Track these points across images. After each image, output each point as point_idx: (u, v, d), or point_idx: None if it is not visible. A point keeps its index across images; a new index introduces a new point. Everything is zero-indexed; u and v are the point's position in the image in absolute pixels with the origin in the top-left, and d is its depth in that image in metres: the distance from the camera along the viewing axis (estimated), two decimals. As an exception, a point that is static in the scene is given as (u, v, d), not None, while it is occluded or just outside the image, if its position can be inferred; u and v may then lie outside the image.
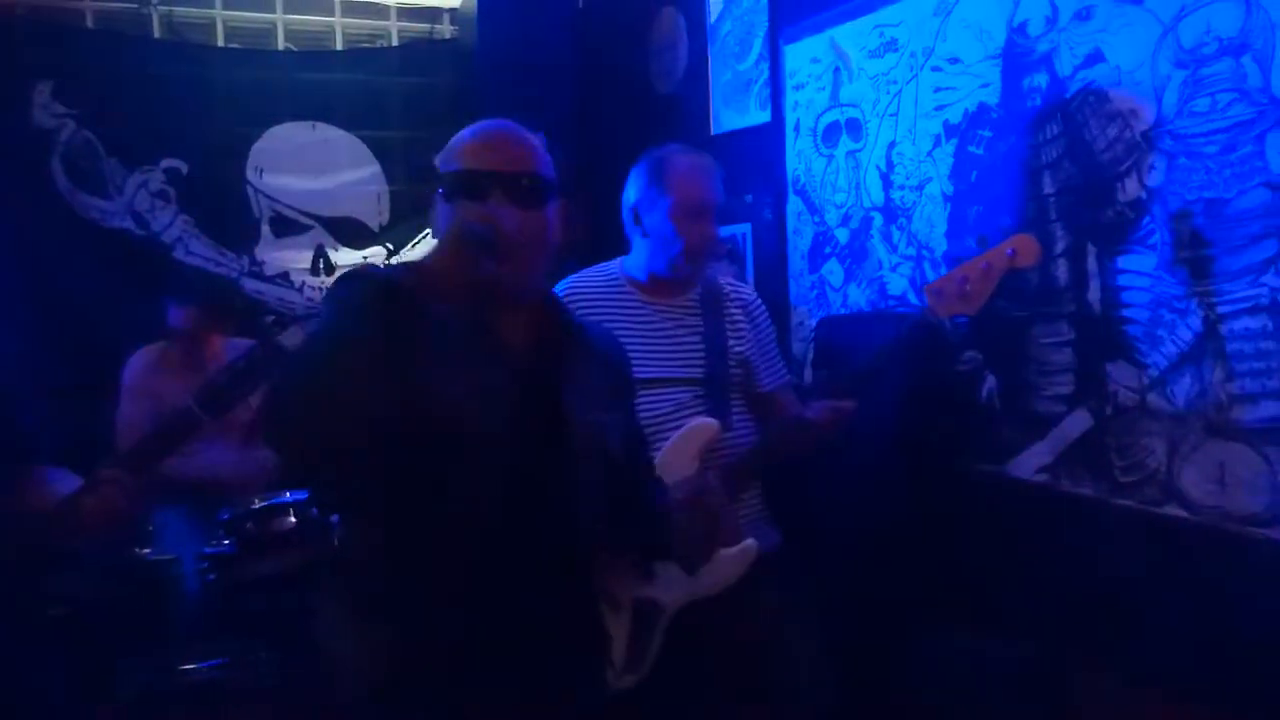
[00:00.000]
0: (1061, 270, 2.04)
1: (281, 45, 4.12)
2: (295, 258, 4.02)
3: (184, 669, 2.51)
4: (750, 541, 2.00)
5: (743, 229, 3.03)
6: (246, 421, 3.10)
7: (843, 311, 2.68)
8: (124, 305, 3.51)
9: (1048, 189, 2.07)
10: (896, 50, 2.45)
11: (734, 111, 3.12)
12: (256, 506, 2.68)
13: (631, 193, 2.16)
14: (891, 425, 2.23)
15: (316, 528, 2.65)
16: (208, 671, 2.52)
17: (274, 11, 4.10)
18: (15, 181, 3.54)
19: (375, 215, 4.14)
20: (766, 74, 2.96)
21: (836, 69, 2.67)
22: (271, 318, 3.96)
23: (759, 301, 2.26)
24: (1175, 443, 1.82)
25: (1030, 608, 2.09)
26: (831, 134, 2.70)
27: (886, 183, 2.51)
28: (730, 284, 2.26)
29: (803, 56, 2.80)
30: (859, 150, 2.60)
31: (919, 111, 2.39)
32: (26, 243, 3.51)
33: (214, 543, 2.64)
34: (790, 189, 2.87)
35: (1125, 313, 1.91)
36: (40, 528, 1.59)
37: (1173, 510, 1.83)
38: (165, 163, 3.78)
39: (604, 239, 2.29)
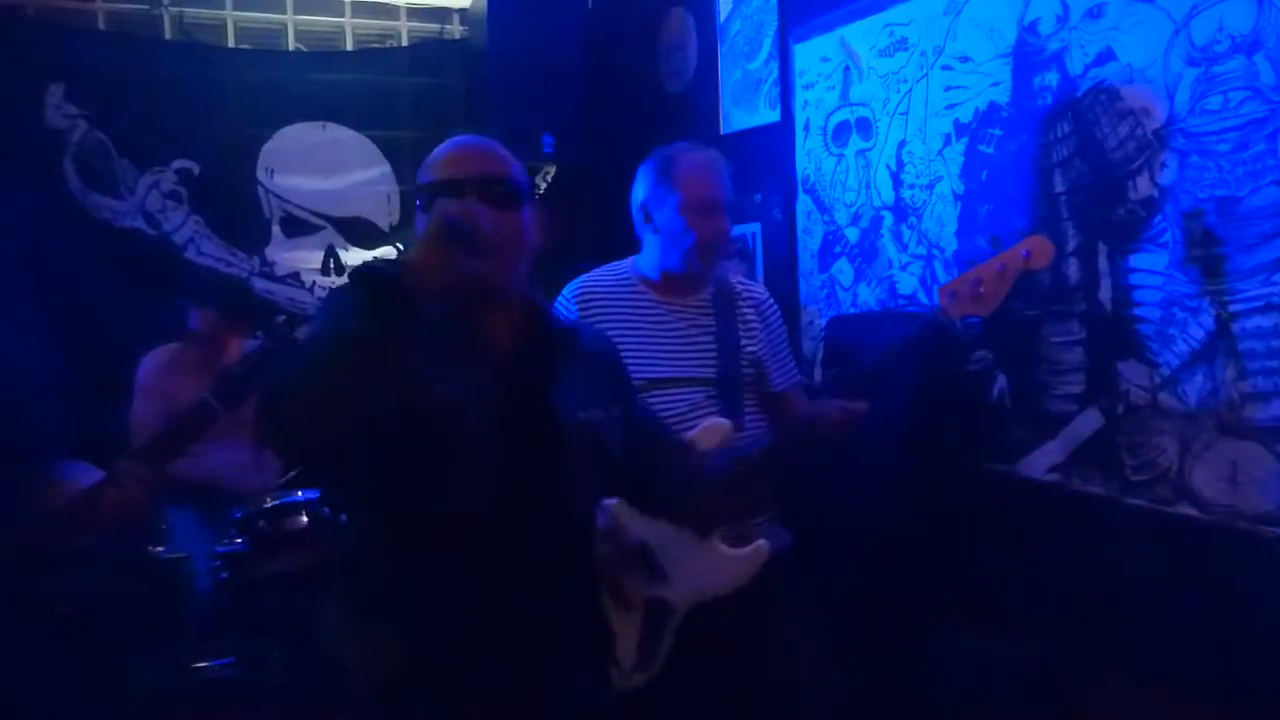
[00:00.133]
0: (1073, 269, 2.03)
1: (292, 46, 4.14)
2: (306, 258, 4.03)
3: (195, 667, 2.52)
4: (762, 542, 2.00)
5: (752, 228, 3.03)
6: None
7: (853, 311, 2.68)
8: (135, 305, 3.53)
9: (1059, 187, 2.06)
10: (907, 49, 2.45)
11: (744, 111, 3.12)
12: (268, 505, 2.69)
13: (640, 190, 2.15)
14: (901, 425, 2.23)
15: (328, 527, 2.66)
16: (218, 670, 2.53)
17: (284, 12, 4.11)
18: (28, 182, 3.55)
19: (385, 215, 4.16)
20: (776, 73, 2.96)
21: (846, 68, 2.67)
22: (282, 318, 3.96)
23: (771, 300, 2.26)
24: (1187, 441, 1.82)
25: (1040, 607, 2.09)
26: (841, 133, 2.70)
27: (897, 182, 2.51)
28: (742, 283, 2.26)
29: (812, 56, 2.80)
30: (869, 149, 2.60)
31: (929, 110, 2.39)
32: (39, 243, 3.52)
33: (226, 541, 2.65)
34: (800, 188, 2.87)
35: (1137, 311, 1.91)
36: (59, 523, 1.60)
37: (1184, 509, 1.82)
38: (176, 163, 3.81)
39: (614, 238, 2.29)
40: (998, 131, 2.21)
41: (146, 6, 3.87)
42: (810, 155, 2.83)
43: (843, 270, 2.72)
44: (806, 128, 2.84)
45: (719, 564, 1.96)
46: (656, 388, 1.99)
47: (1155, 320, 1.87)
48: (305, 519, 2.69)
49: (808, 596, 2.10)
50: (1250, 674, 1.70)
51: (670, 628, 1.94)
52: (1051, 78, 2.06)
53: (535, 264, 1.51)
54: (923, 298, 2.45)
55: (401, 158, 4.15)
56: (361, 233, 4.12)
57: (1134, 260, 1.91)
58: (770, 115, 2.99)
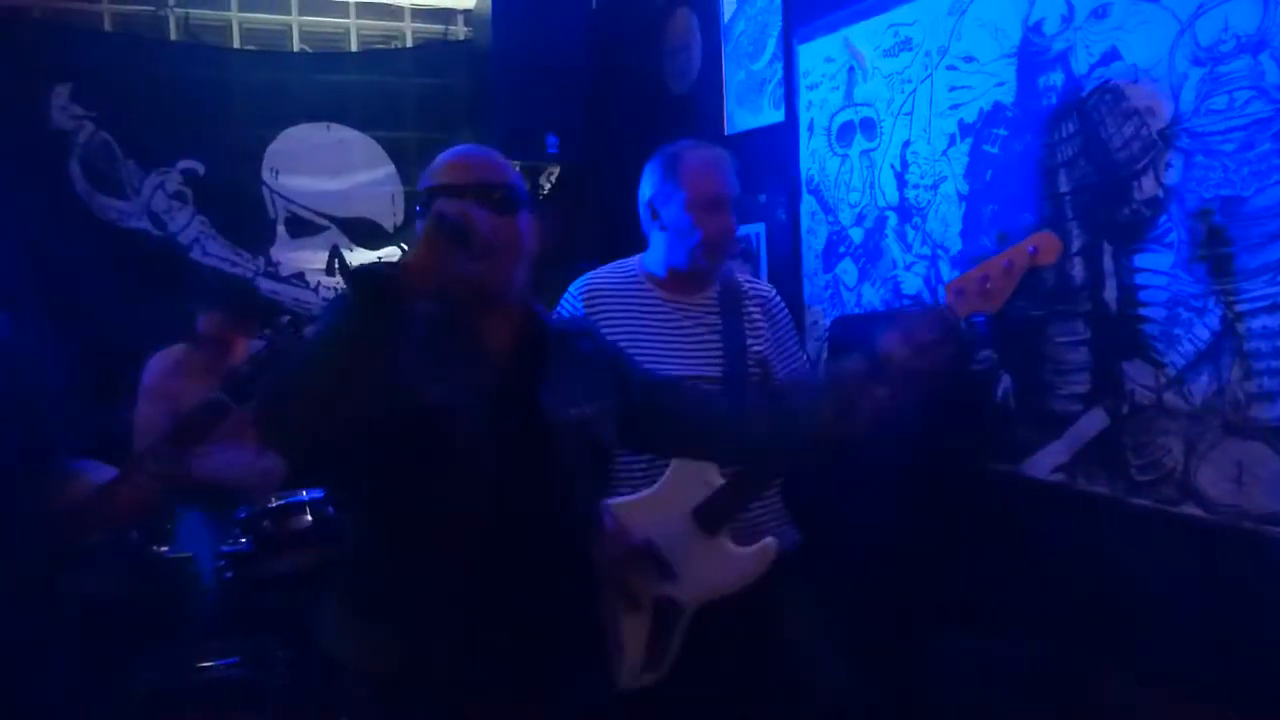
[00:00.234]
0: (1078, 269, 2.03)
1: (297, 47, 4.14)
2: (310, 258, 4.04)
3: (200, 666, 2.52)
4: (770, 540, 2.00)
5: (757, 228, 3.03)
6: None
7: (857, 311, 2.68)
8: (141, 306, 3.54)
9: (1063, 188, 2.06)
10: (911, 49, 2.45)
11: (748, 111, 3.12)
12: (273, 505, 2.69)
13: (647, 187, 2.16)
14: (906, 424, 2.22)
15: (333, 526, 2.66)
16: (223, 669, 2.53)
17: (289, 13, 4.12)
18: (34, 183, 3.57)
19: (390, 216, 4.16)
20: (780, 74, 2.96)
21: (851, 68, 2.67)
22: (287, 318, 3.97)
23: (778, 298, 2.26)
24: (1192, 441, 1.81)
25: (1045, 608, 2.08)
26: (846, 133, 2.70)
27: (901, 182, 2.51)
28: (749, 281, 2.26)
29: (817, 56, 2.80)
30: (873, 149, 2.60)
31: (934, 110, 2.39)
32: (45, 243, 3.53)
33: (231, 541, 2.65)
34: (804, 188, 2.87)
35: (1142, 311, 1.90)
36: (76, 519, 1.61)
37: (1190, 509, 1.82)
38: (182, 164, 3.82)
39: (618, 238, 2.30)
40: (1002, 131, 2.21)
41: (152, 8, 3.88)
42: (814, 155, 2.83)
43: (847, 270, 2.72)
44: (811, 128, 2.84)
45: (727, 562, 1.96)
46: None
47: (1160, 320, 1.87)
48: (310, 519, 2.69)
49: (815, 596, 2.10)
50: (1256, 675, 1.70)
51: (680, 627, 1.94)
52: (1056, 78, 2.06)
53: (536, 266, 1.52)
54: (927, 298, 2.44)
55: (406, 158, 4.15)
56: (366, 233, 4.13)
57: (1139, 260, 1.91)
58: (774, 116, 2.99)
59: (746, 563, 1.97)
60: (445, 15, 4.32)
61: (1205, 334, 1.79)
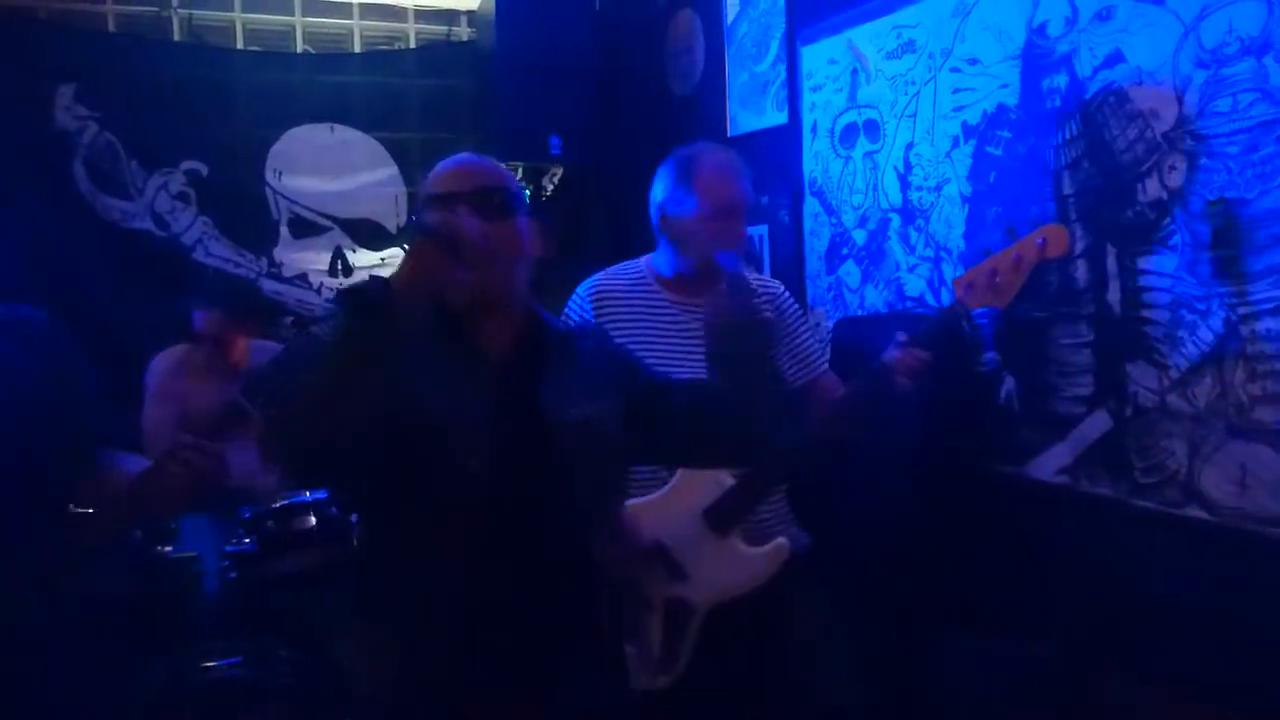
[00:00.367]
0: (1081, 271, 2.03)
1: (300, 48, 4.15)
2: (313, 259, 4.05)
3: (203, 666, 2.53)
4: (781, 540, 1.99)
5: (760, 230, 3.04)
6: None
7: (860, 313, 2.68)
8: (145, 306, 3.55)
9: (1067, 190, 2.06)
10: (914, 51, 2.45)
11: (751, 113, 3.13)
12: (277, 505, 2.69)
13: (659, 192, 2.13)
14: (911, 427, 2.22)
15: (336, 526, 2.66)
16: (226, 669, 2.54)
17: (293, 14, 4.12)
18: (38, 183, 3.58)
19: (393, 217, 4.17)
20: (783, 75, 2.96)
21: (854, 70, 2.67)
22: (290, 319, 3.99)
23: (787, 296, 2.23)
24: (1196, 444, 1.82)
25: (1048, 609, 2.09)
26: (849, 135, 2.71)
27: (904, 184, 2.51)
28: (757, 279, 2.23)
29: (820, 58, 2.80)
30: (876, 151, 2.60)
31: (937, 113, 2.39)
32: (49, 244, 3.54)
33: (235, 541, 2.66)
34: (807, 190, 2.87)
35: (1146, 314, 1.90)
36: (108, 515, 1.61)
37: (1193, 512, 1.82)
38: (185, 164, 3.83)
39: (622, 239, 2.30)
40: (1006, 134, 2.21)
41: (156, 9, 3.88)
42: (817, 157, 2.83)
43: (850, 272, 2.72)
44: (814, 130, 2.84)
45: (739, 562, 1.96)
46: None
47: (1164, 322, 1.87)
48: (313, 519, 2.69)
49: (824, 598, 2.10)
50: (1259, 676, 1.70)
51: (692, 628, 1.93)
52: (1060, 80, 2.06)
53: (540, 268, 1.53)
54: (930, 299, 2.45)
55: (409, 159, 4.16)
56: (369, 234, 4.14)
57: (1143, 262, 1.91)
58: (778, 117, 2.99)
59: (758, 563, 1.96)
60: (448, 16, 4.33)
61: (1209, 336, 1.79)
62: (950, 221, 2.37)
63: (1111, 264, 1.97)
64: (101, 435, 1.75)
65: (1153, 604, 1.88)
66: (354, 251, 4.11)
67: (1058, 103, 2.07)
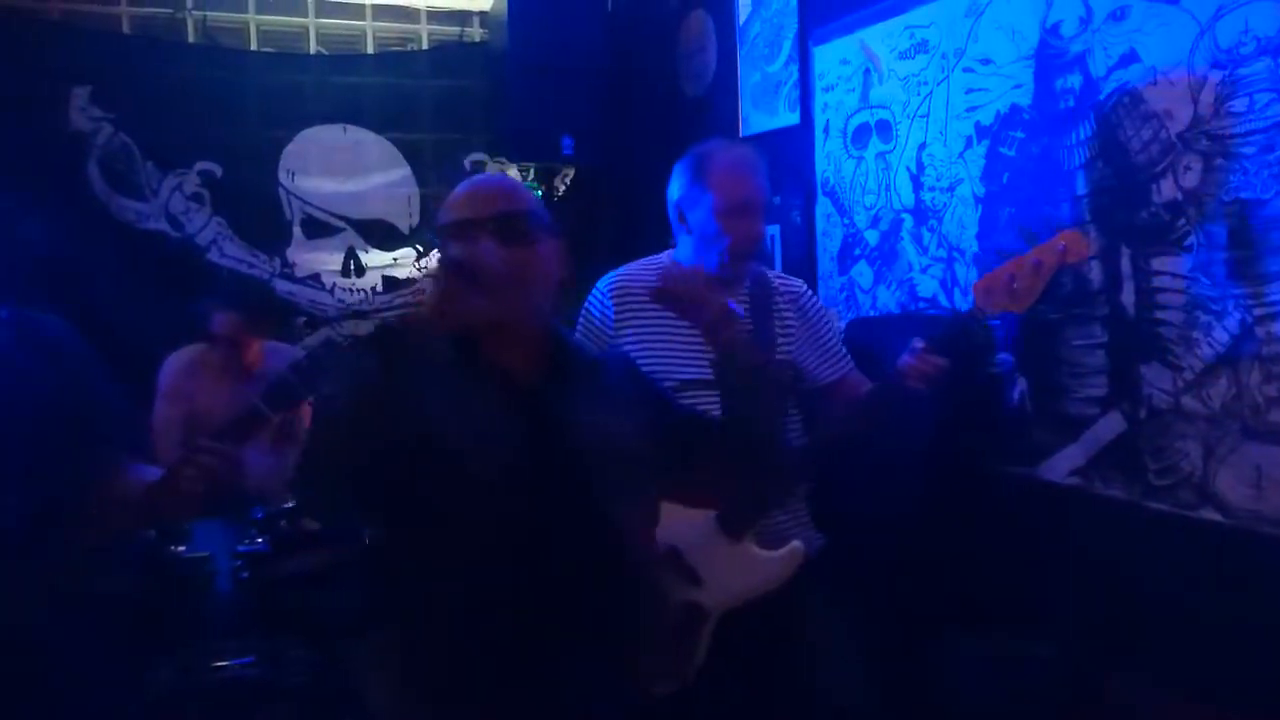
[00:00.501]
0: (1095, 272, 2.02)
1: (313, 49, 4.16)
2: (326, 259, 4.07)
3: (215, 666, 2.54)
4: (797, 544, 1.98)
5: (772, 230, 3.03)
6: (278, 425, 3.15)
7: (872, 313, 2.68)
8: (159, 306, 3.56)
9: (1081, 190, 2.05)
10: (927, 51, 2.44)
11: (763, 113, 3.12)
12: (289, 505, 2.70)
13: (675, 190, 2.10)
14: (922, 428, 2.22)
15: (348, 526, 2.67)
16: (239, 669, 2.55)
17: (306, 16, 4.14)
18: (54, 184, 3.60)
19: (405, 217, 4.18)
20: (796, 76, 2.96)
21: (866, 70, 2.66)
22: (303, 319, 4.01)
23: (809, 294, 2.21)
24: (1211, 446, 1.80)
25: (1060, 611, 2.08)
26: (861, 135, 2.70)
27: (917, 184, 2.50)
28: (780, 278, 2.21)
29: (832, 58, 2.79)
30: (889, 152, 2.59)
31: (950, 113, 2.38)
32: (64, 245, 3.56)
33: (247, 541, 2.67)
34: (819, 190, 2.87)
35: (1160, 314, 1.89)
36: (121, 517, 1.62)
37: (1208, 514, 1.81)
38: (199, 165, 3.85)
39: (634, 240, 2.29)
40: (1019, 134, 2.20)
41: (170, 10, 3.91)
42: (830, 158, 2.83)
43: (862, 273, 2.72)
44: (826, 130, 2.84)
45: (753, 566, 1.94)
46: (690, 389, 1.95)
47: (1178, 323, 1.86)
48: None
49: (834, 598, 2.09)
50: (1274, 680, 1.69)
51: (705, 632, 1.92)
52: (1074, 80, 2.05)
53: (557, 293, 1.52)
54: (943, 300, 2.44)
55: (422, 160, 4.18)
56: (382, 235, 4.15)
57: (1157, 263, 1.90)
58: (790, 118, 2.99)
59: (773, 567, 1.94)
60: (461, 17, 4.34)
61: (1224, 337, 1.78)
62: (963, 222, 2.36)
63: (1126, 265, 1.96)
64: (118, 443, 1.76)
65: (1166, 607, 1.87)
66: (366, 252, 4.13)
67: (1071, 103, 2.06)
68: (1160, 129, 1.87)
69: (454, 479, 1.32)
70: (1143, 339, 1.92)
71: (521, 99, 3.66)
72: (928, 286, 2.49)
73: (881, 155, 2.62)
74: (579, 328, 2.13)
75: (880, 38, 2.61)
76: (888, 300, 2.63)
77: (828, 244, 2.85)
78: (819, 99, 2.86)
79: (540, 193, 3.76)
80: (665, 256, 2.16)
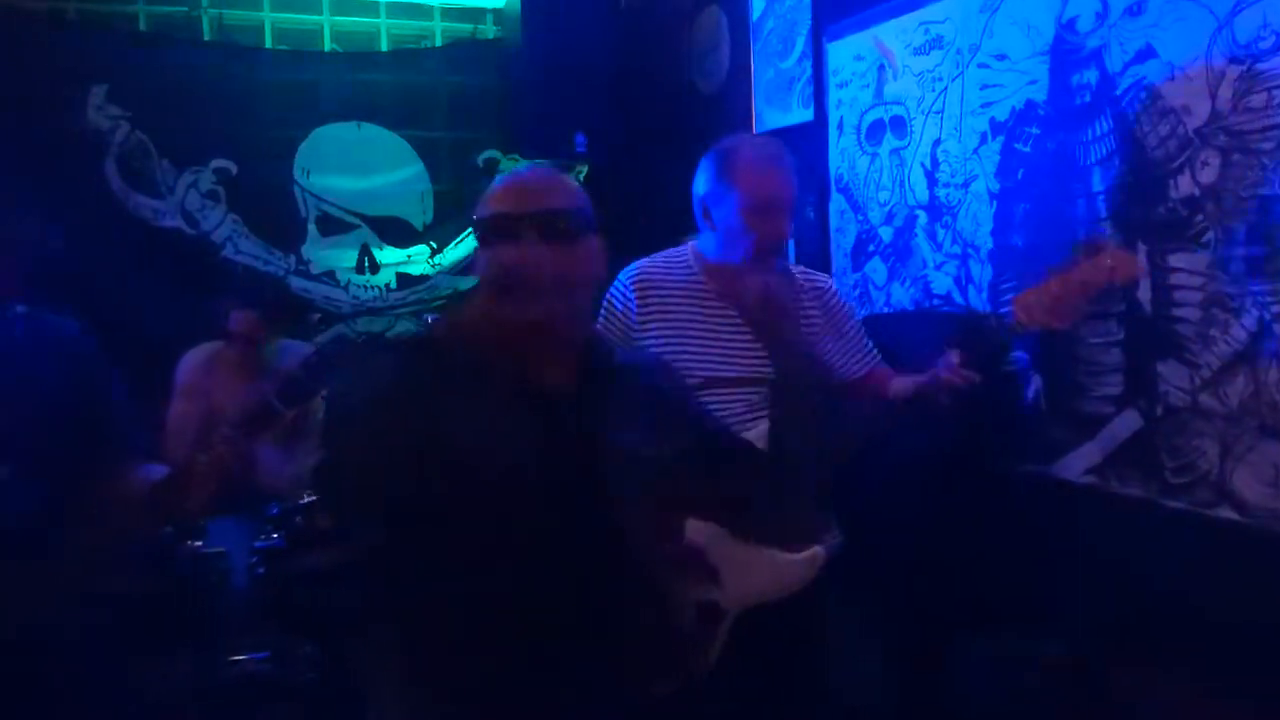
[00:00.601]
0: (1111, 269, 2.01)
1: (328, 47, 4.18)
2: (341, 256, 4.08)
3: (231, 661, 2.56)
4: (818, 548, 1.96)
5: (785, 227, 3.02)
6: (291, 421, 3.16)
7: (886, 310, 2.67)
8: (175, 303, 3.58)
9: (1097, 187, 2.04)
10: (942, 47, 2.43)
11: (777, 110, 3.12)
12: (305, 501, 2.71)
13: (700, 185, 2.05)
14: (939, 427, 2.20)
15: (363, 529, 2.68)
16: (254, 664, 2.56)
17: (320, 14, 4.16)
18: (71, 182, 3.62)
19: (419, 214, 4.20)
20: (809, 72, 2.95)
21: (881, 66, 2.65)
22: (318, 316, 4.02)
23: (834, 289, 2.17)
24: (1228, 444, 1.79)
25: (1076, 609, 2.07)
26: (875, 132, 2.69)
27: (931, 180, 2.49)
28: (804, 272, 2.16)
29: (846, 54, 2.78)
30: (903, 148, 2.58)
31: (965, 109, 2.37)
32: (81, 242, 3.58)
33: (263, 537, 2.68)
34: (833, 187, 2.86)
35: (1177, 312, 1.88)
36: (149, 506, 1.63)
37: (1225, 513, 1.80)
38: (215, 163, 3.87)
39: (650, 235, 2.28)
40: (1035, 130, 2.19)
41: (186, 9, 3.93)
42: (844, 154, 2.82)
43: (876, 269, 2.71)
44: (840, 126, 2.83)
45: (774, 569, 1.92)
46: (714, 387, 1.93)
47: (1195, 321, 1.84)
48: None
49: (851, 597, 2.08)
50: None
51: (721, 630, 1.91)
52: (1090, 76, 2.04)
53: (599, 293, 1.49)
54: (957, 297, 2.43)
55: (435, 157, 4.19)
56: (396, 231, 4.17)
57: (1174, 260, 1.88)
58: (804, 114, 2.98)
59: (793, 570, 1.91)
60: (474, 15, 4.35)
61: (1242, 335, 1.76)
62: (978, 219, 2.35)
63: (1143, 261, 1.94)
64: (128, 445, 1.77)
65: (1183, 606, 1.86)
66: (380, 249, 4.14)
67: (1088, 99, 2.05)
68: (1177, 124, 1.86)
69: (470, 488, 1.25)
70: (1160, 336, 1.91)
71: (535, 96, 3.67)
72: (942, 283, 2.48)
73: (896, 151, 2.61)
74: (600, 320, 2.10)
75: (895, 33, 2.60)
76: (902, 297, 2.62)
77: (842, 240, 2.84)
78: (833, 95, 2.85)
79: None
80: (687, 249, 2.12)
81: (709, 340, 1.98)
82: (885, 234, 2.67)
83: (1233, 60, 1.75)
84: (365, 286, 4.12)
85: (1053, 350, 2.15)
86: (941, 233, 2.47)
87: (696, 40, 3.61)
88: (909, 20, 2.54)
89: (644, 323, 2.03)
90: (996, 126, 2.28)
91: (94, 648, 1.64)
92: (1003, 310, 2.28)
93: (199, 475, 1.59)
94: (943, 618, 2.28)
